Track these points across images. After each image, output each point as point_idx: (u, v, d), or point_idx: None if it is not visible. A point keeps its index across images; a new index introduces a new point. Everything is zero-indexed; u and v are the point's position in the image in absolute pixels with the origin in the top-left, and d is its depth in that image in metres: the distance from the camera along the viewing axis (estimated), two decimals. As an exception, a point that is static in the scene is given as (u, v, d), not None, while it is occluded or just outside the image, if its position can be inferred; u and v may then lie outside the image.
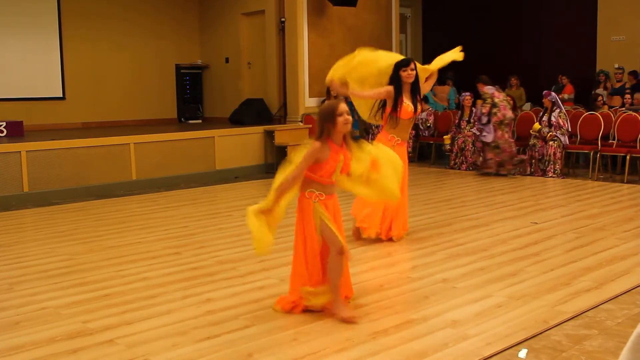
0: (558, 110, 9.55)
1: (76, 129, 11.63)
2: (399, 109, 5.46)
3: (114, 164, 9.08)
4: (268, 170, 10.79)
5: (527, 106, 12.17)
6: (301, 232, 3.83)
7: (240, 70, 12.74)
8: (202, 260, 5.16)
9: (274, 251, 5.38)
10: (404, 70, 5.45)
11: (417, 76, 5.53)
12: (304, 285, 3.84)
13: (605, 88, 11.74)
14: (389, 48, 12.98)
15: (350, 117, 3.71)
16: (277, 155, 10.79)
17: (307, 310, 3.87)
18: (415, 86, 5.55)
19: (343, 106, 3.72)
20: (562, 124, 9.47)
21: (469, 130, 10.53)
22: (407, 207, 5.85)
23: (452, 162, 10.65)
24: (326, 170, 3.71)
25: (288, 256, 5.21)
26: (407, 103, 5.49)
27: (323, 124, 3.72)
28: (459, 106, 11.44)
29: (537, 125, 9.66)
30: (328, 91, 11.49)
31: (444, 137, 10.76)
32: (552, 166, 9.46)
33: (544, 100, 9.72)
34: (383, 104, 5.59)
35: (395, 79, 5.48)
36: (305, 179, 3.76)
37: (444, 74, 12.36)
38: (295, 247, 3.89)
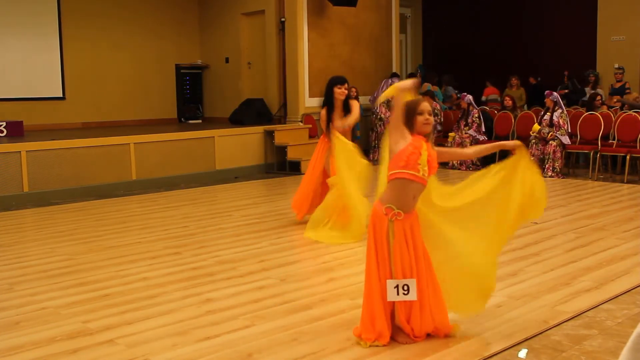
0: (560, 110, 9.58)
1: (76, 129, 11.63)
2: (332, 122, 6.03)
3: (114, 164, 9.08)
4: (268, 170, 10.80)
5: (526, 106, 12.17)
6: (374, 255, 3.34)
7: (240, 70, 12.73)
8: (202, 260, 5.16)
9: (274, 251, 5.41)
10: (339, 88, 6.00)
11: (348, 95, 6.12)
12: (376, 324, 3.34)
13: (594, 88, 11.73)
14: (389, 48, 13.00)
15: (431, 118, 3.38)
16: (277, 156, 10.80)
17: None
18: (346, 103, 6.09)
19: (425, 105, 3.36)
20: (562, 124, 9.48)
21: (466, 132, 10.55)
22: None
23: (451, 162, 10.66)
24: (408, 156, 3.26)
25: (288, 256, 5.25)
26: (336, 124, 6.02)
27: (403, 119, 3.34)
28: (459, 106, 11.48)
29: (536, 127, 9.68)
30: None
31: (450, 134, 10.81)
32: (551, 164, 9.46)
33: (546, 100, 9.71)
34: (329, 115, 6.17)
35: (328, 95, 6.04)
36: (388, 187, 3.35)
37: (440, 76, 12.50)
38: (367, 274, 3.39)
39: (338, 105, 6.02)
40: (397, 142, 3.33)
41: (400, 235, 3.29)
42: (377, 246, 3.34)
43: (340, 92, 5.99)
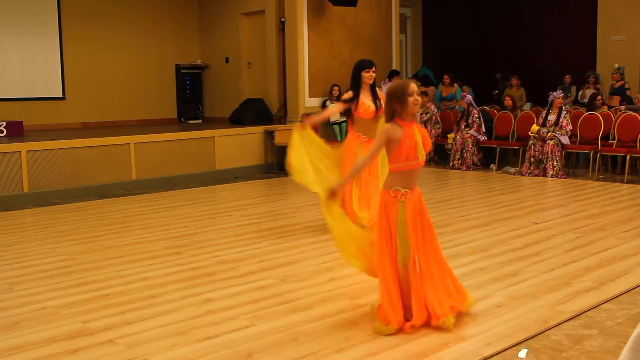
0: (565, 111, 9.59)
1: (76, 129, 11.63)
2: (358, 108, 5.72)
3: (114, 164, 9.08)
4: (268, 170, 10.80)
5: (527, 106, 12.17)
6: (387, 237, 3.56)
7: (240, 70, 12.73)
8: (202, 260, 5.16)
9: (274, 251, 5.41)
10: (367, 72, 5.72)
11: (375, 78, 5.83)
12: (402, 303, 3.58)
13: (596, 89, 11.73)
14: (389, 48, 13.00)
15: (420, 98, 3.62)
16: (277, 155, 10.78)
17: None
18: (373, 87, 5.81)
19: (414, 86, 3.57)
20: (564, 125, 9.47)
21: (467, 132, 10.52)
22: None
23: (451, 163, 10.66)
24: (407, 148, 3.49)
25: (288, 256, 5.24)
26: (366, 104, 5.74)
27: (392, 105, 3.55)
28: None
29: (535, 127, 9.67)
30: (331, 91, 11.53)
31: (448, 135, 10.80)
32: (551, 163, 9.45)
33: (555, 101, 9.57)
34: (348, 109, 5.87)
35: (355, 79, 5.75)
36: (391, 175, 3.59)
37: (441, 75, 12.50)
38: (381, 255, 3.59)
39: (365, 89, 5.78)
40: (389, 144, 3.54)
41: (410, 212, 3.53)
42: (391, 230, 3.54)
43: (368, 77, 5.71)
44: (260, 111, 11.77)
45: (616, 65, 11.79)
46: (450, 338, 3.45)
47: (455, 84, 12.38)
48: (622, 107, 10.52)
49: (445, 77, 12.39)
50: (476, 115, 10.60)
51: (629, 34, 12.36)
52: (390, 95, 3.57)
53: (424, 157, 3.58)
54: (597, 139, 9.57)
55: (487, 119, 10.90)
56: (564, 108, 9.64)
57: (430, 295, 3.56)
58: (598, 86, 11.86)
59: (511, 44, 13.88)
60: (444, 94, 12.36)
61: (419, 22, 15.77)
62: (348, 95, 5.80)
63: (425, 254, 3.58)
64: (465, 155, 10.52)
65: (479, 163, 10.59)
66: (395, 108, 3.54)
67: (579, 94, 12.07)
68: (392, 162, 3.56)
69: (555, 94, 9.65)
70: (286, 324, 3.70)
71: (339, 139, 11.51)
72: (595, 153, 9.49)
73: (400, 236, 3.53)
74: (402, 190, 3.54)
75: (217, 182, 9.73)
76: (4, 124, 9.61)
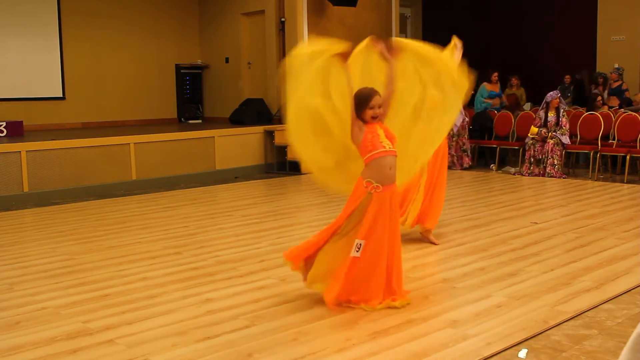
0: (562, 109, 9.57)
1: (76, 129, 11.63)
2: None
3: (114, 164, 9.08)
4: (268, 170, 10.80)
5: (527, 106, 12.17)
6: (344, 217, 3.81)
7: (240, 70, 12.73)
8: (202, 260, 5.16)
9: (274, 251, 5.40)
10: None
11: None
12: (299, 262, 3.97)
13: (604, 89, 11.73)
14: (389, 48, 12.98)
15: (379, 111, 3.74)
16: (277, 156, 10.79)
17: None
18: None
19: (377, 99, 3.72)
20: (564, 124, 9.47)
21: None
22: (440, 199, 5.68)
23: (451, 163, 10.63)
24: (370, 140, 3.70)
25: (288, 256, 5.24)
26: None
27: (355, 107, 3.75)
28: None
29: (534, 129, 9.66)
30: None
31: None
32: (551, 161, 9.45)
33: (552, 101, 9.47)
34: None
35: None
36: (366, 167, 3.75)
37: None
38: (331, 225, 3.87)
39: None
40: (356, 135, 3.76)
41: (377, 205, 3.70)
42: (349, 211, 3.78)
43: None
44: (260, 111, 11.77)
45: (616, 66, 11.79)
46: (451, 338, 3.45)
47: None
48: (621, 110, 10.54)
49: (495, 74, 11.40)
50: None
51: (629, 34, 12.36)
52: (354, 98, 3.76)
53: (390, 146, 3.74)
54: (597, 139, 9.57)
55: (487, 118, 10.90)
56: (561, 107, 9.60)
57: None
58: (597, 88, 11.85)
59: (511, 44, 13.88)
60: (495, 91, 11.60)
61: (419, 22, 15.76)
62: None
63: (379, 248, 3.76)
64: (450, 152, 9.97)
65: (470, 163, 10.37)
66: (356, 111, 3.74)
67: None
68: (363, 155, 3.75)
69: (552, 94, 9.62)
70: (286, 324, 3.70)
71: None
72: (595, 153, 9.49)
73: (351, 219, 3.76)
74: (374, 184, 3.70)
75: (217, 182, 9.73)
76: (4, 124, 9.61)
